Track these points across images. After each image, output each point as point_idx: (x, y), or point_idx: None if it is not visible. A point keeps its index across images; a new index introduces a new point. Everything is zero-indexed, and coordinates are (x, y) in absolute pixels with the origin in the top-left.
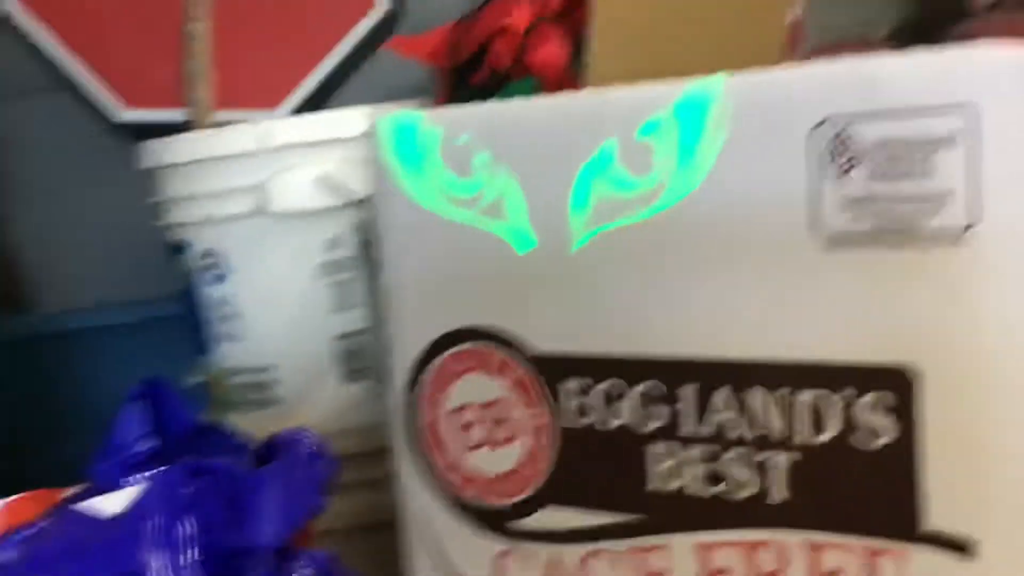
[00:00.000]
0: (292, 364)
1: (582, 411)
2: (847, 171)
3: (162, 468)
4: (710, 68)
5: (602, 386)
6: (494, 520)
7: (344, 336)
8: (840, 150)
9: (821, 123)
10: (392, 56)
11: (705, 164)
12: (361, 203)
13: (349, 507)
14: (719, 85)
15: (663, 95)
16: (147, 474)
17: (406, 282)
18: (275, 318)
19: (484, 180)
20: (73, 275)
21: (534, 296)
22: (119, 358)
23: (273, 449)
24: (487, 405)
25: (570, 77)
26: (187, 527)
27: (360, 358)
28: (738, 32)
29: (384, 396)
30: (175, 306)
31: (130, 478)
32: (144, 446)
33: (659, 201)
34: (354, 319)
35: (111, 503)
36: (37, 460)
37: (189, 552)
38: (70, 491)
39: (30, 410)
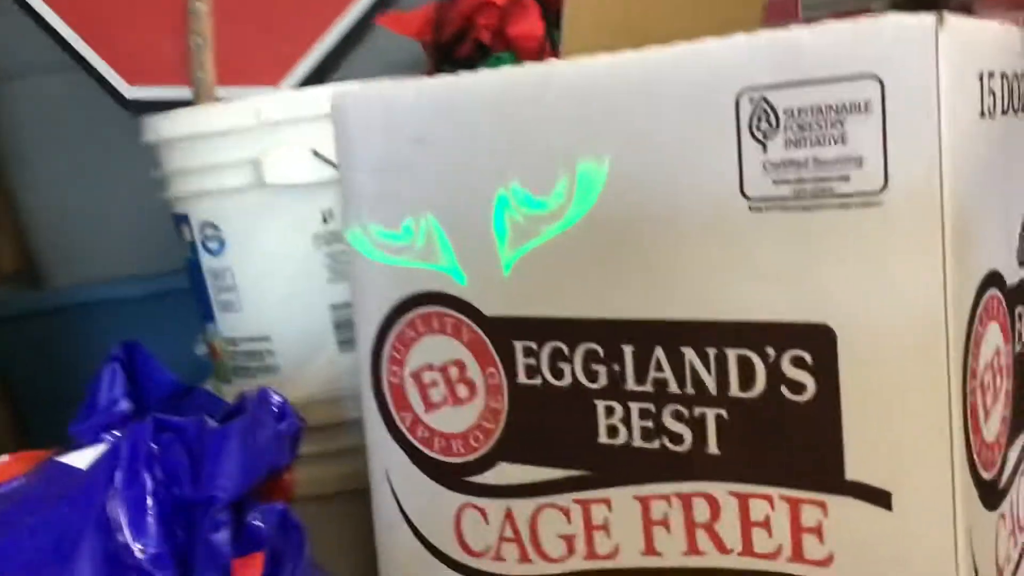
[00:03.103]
0: (289, 333)
1: (531, 371)
2: (767, 138)
3: (131, 425)
4: (685, 38)
5: (548, 347)
6: (454, 476)
7: (340, 306)
8: (759, 118)
9: (741, 92)
10: (391, 31)
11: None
12: None
13: (341, 472)
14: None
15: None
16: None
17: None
18: (272, 289)
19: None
20: (85, 249)
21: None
22: (130, 331)
23: (240, 408)
24: (445, 366)
25: (547, 49)
26: (150, 479)
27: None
28: (715, 5)
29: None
30: (185, 278)
31: (105, 435)
32: (121, 407)
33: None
34: (348, 289)
35: (85, 458)
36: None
37: (150, 502)
38: (53, 452)
39: (43, 382)
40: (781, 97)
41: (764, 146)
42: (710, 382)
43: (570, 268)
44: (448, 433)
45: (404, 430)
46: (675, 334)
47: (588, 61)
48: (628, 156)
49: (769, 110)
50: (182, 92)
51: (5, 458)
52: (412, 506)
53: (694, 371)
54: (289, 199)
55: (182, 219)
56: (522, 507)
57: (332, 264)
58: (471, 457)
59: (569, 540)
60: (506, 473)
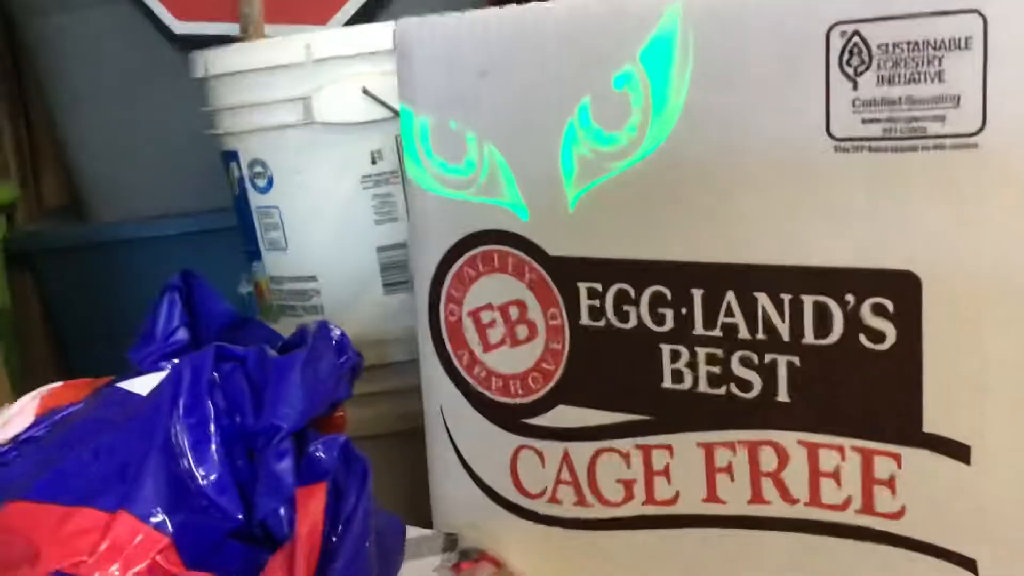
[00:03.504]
0: (335, 274)
1: (595, 313)
2: (857, 74)
3: (192, 353)
4: None
5: (613, 288)
6: (511, 417)
7: (386, 248)
8: (851, 53)
9: (832, 26)
10: None
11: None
12: None
13: (387, 413)
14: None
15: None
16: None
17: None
18: (318, 228)
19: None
20: (130, 186)
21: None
22: (172, 268)
23: (300, 339)
24: (505, 305)
25: None
26: (212, 407)
27: (399, 270)
28: None
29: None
30: (229, 217)
31: (164, 363)
32: (179, 336)
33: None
34: (394, 231)
35: (145, 384)
36: (88, 360)
37: (213, 429)
38: (107, 379)
39: (83, 315)
40: (875, 31)
41: (854, 83)
42: (783, 328)
43: (638, 207)
44: (506, 374)
45: (460, 369)
46: (748, 278)
47: None
48: (706, 90)
49: (862, 45)
50: (230, 28)
51: (58, 384)
52: (467, 446)
53: (767, 317)
54: (338, 138)
55: (231, 156)
56: (580, 450)
57: (379, 205)
58: (529, 399)
59: (628, 485)
60: (565, 416)
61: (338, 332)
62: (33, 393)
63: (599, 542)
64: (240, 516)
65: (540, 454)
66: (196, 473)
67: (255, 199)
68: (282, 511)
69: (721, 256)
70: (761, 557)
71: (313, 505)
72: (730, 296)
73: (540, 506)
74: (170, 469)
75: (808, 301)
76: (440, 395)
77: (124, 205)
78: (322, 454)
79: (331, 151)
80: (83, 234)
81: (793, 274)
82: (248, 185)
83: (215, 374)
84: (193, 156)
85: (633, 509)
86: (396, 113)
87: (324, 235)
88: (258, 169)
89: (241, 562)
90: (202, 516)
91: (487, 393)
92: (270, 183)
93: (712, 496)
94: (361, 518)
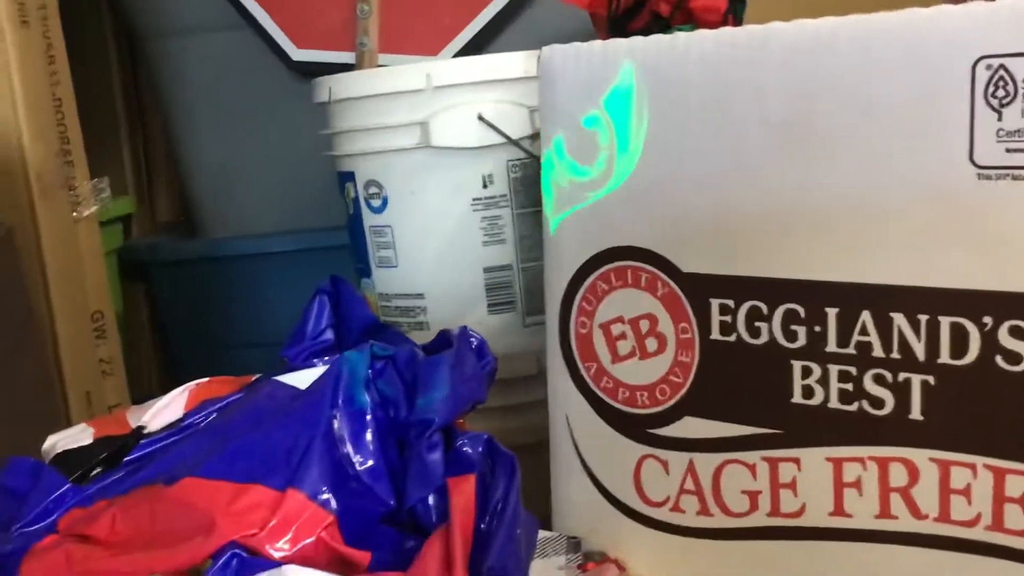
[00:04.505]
0: (442, 292)
1: (726, 328)
2: (1003, 106)
3: (349, 350)
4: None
5: (746, 305)
6: (637, 427)
7: (493, 269)
8: (996, 86)
9: (978, 60)
10: (549, 3)
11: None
12: (514, 143)
13: (489, 429)
14: None
15: None
16: (330, 358)
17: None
18: (429, 247)
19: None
20: (241, 203)
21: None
22: (281, 283)
23: (443, 342)
24: (637, 319)
25: (730, 22)
26: (368, 400)
27: (505, 290)
28: None
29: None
30: (338, 236)
31: (315, 361)
32: (327, 336)
33: None
34: (501, 253)
35: (302, 379)
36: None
37: (369, 420)
38: (248, 377)
39: (195, 324)
40: (1021, 65)
41: (999, 114)
42: (919, 348)
43: (771, 226)
44: (633, 385)
45: (588, 379)
46: (885, 298)
47: (810, 22)
48: (844, 118)
49: (1008, 78)
50: (345, 57)
51: (204, 380)
52: (591, 454)
53: (902, 336)
54: (452, 162)
55: (347, 177)
56: (706, 461)
57: (488, 227)
58: (656, 409)
59: (753, 496)
60: (691, 427)
61: (478, 337)
62: (181, 388)
63: (720, 551)
64: (392, 502)
65: (664, 463)
66: (354, 459)
67: (368, 218)
68: (431, 499)
69: (858, 276)
70: (888, 571)
71: (464, 494)
72: (865, 316)
73: (662, 513)
74: (331, 454)
75: (945, 322)
76: (567, 404)
77: (235, 222)
78: (469, 448)
79: (445, 174)
80: (195, 248)
81: (931, 295)
82: (363, 204)
83: (370, 368)
84: (303, 177)
85: (757, 520)
86: (509, 139)
87: (434, 254)
88: (373, 190)
89: (391, 546)
90: (359, 500)
91: (614, 403)
92: (384, 203)
93: (839, 510)
94: (512, 508)
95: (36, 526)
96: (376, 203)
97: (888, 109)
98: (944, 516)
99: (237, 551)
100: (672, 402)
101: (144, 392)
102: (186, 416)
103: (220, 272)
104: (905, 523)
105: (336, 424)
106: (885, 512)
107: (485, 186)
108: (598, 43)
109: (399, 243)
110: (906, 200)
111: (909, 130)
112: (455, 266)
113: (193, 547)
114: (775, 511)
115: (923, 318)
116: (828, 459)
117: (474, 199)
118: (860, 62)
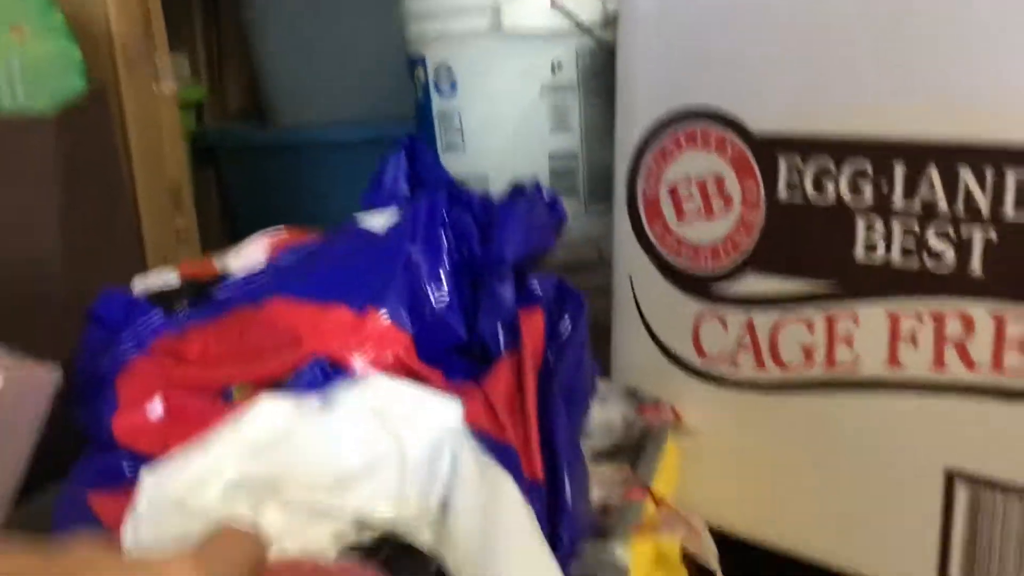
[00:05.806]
0: (507, 176)
1: (793, 186)
2: None
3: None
4: None
5: (814, 163)
6: (699, 285)
7: (556, 156)
8: None
9: None
10: None
11: None
12: (585, 30)
13: None
14: None
15: None
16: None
17: (636, 64)
18: (496, 132)
19: None
20: (312, 92)
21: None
22: (350, 173)
23: (519, 192)
24: (704, 179)
25: None
26: (444, 238)
27: (568, 177)
28: None
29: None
30: (406, 127)
31: (392, 205)
32: (402, 187)
33: None
34: (567, 140)
35: (379, 221)
36: None
37: (444, 258)
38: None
39: (263, 210)
40: None
41: None
42: (983, 203)
43: (844, 83)
44: (697, 244)
45: (653, 239)
46: (952, 153)
47: None
48: None
49: None
50: None
51: (281, 229)
52: (652, 311)
53: (968, 191)
54: (522, 47)
55: (418, 61)
56: (764, 317)
57: (555, 114)
58: (718, 268)
59: (808, 350)
60: (752, 284)
61: (550, 191)
62: (259, 233)
63: (772, 404)
64: (463, 334)
65: (723, 320)
66: (430, 292)
67: (438, 103)
68: (500, 329)
69: (925, 132)
70: (939, 418)
71: (534, 324)
72: (932, 170)
73: (717, 368)
74: (410, 284)
75: (1012, 177)
76: (631, 264)
77: (305, 111)
78: (538, 286)
79: (515, 59)
80: (266, 136)
81: (996, 151)
82: (432, 89)
83: (447, 210)
84: (373, 66)
85: (810, 372)
86: (580, 25)
87: (500, 139)
88: (443, 73)
89: (461, 373)
90: (434, 329)
91: (676, 262)
92: (453, 87)
93: (893, 360)
94: (580, 336)
95: (129, 346)
96: (446, 87)
97: None
98: (997, 366)
99: (321, 362)
100: (734, 260)
101: None
102: (268, 261)
103: (289, 160)
104: (957, 373)
105: (414, 258)
106: (938, 363)
107: (554, 72)
108: None
109: (467, 127)
110: (970, 53)
111: None
112: (521, 151)
113: (279, 360)
114: (830, 364)
115: (989, 172)
116: (886, 313)
117: (543, 85)
118: None
